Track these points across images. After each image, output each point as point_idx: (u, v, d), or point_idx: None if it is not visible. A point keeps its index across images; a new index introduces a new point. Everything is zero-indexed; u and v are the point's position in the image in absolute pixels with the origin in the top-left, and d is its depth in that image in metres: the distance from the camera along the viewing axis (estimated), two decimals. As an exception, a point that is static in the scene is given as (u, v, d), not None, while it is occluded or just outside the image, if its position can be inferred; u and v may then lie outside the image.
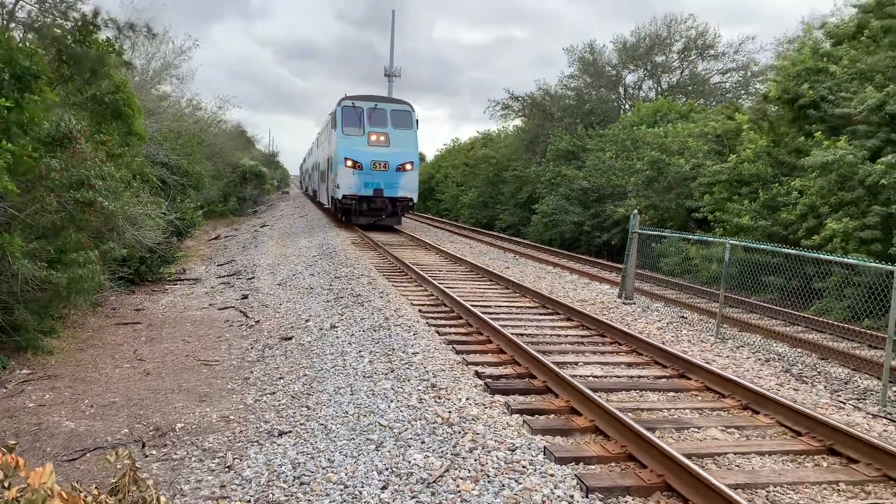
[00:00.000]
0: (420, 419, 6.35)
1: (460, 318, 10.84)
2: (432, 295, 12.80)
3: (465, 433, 5.94)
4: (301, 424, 6.66)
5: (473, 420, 6.23)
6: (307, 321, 11.32)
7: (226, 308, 13.60)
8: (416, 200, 26.55)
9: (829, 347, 10.08)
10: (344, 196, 25.12)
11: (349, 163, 24.89)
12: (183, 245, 20.11)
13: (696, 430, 6.43)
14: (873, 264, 8.74)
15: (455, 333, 9.84)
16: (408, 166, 25.51)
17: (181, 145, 23.25)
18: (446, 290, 12.50)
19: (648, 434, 5.61)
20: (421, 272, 14.77)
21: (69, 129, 9.81)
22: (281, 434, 6.47)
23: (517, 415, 6.54)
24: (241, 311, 13.11)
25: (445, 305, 11.80)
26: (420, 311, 11.26)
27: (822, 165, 13.45)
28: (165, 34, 25.45)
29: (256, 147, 65.94)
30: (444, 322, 10.57)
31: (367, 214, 25.79)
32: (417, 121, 26.46)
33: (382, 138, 25.35)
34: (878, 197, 12.64)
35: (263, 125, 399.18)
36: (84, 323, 11.92)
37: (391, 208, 25.91)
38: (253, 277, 17.21)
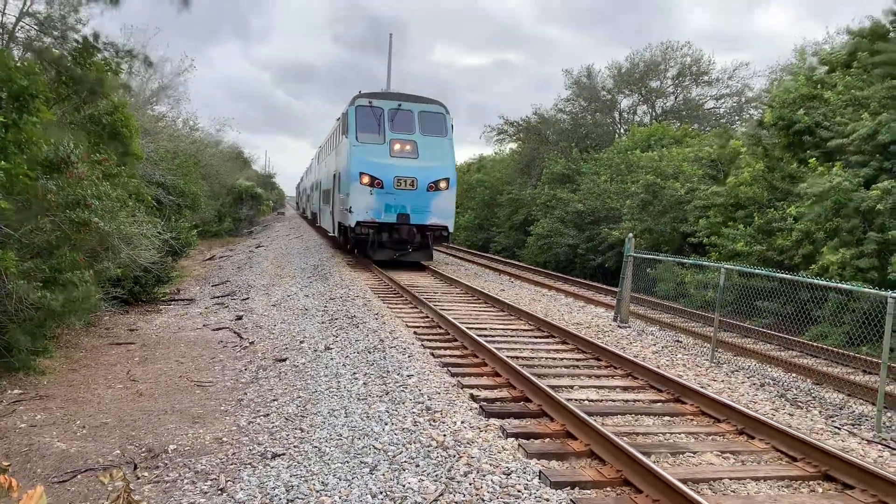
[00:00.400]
0: (415, 442, 6.31)
1: (455, 340, 10.82)
2: (427, 317, 12.78)
3: (460, 457, 5.91)
4: (295, 447, 6.62)
5: (468, 443, 6.20)
6: (301, 342, 11.28)
7: (220, 329, 13.55)
8: (452, 229, 20.81)
9: (823, 373, 10.08)
10: (358, 223, 19.72)
11: (365, 179, 19.58)
12: (178, 265, 20.07)
13: (692, 454, 6.41)
14: (869, 290, 8.78)
15: (450, 356, 9.81)
16: (442, 184, 20.13)
17: (177, 165, 23.28)
18: (442, 312, 12.49)
19: (644, 459, 5.59)
20: (416, 294, 14.76)
21: (67, 154, 9.82)
22: (274, 456, 6.43)
23: (512, 438, 6.51)
24: (235, 332, 13.06)
25: (441, 328, 11.78)
26: (415, 333, 11.23)
27: (818, 195, 13.51)
28: (162, 59, 25.63)
29: (252, 168, 66.16)
30: (439, 344, 10.54)
31: (389, 247, 20.34)
32: (453, 126, 21.24)
33: (409, 148, 20.15)
34: (874, 222, 12.70)
35: (260, 146, 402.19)
36: (77, 343, 11.85)
37: (420, 239, 20.47)
38: (247, 298, 17.17)
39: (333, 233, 25.24)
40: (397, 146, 20.07)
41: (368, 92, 20.99)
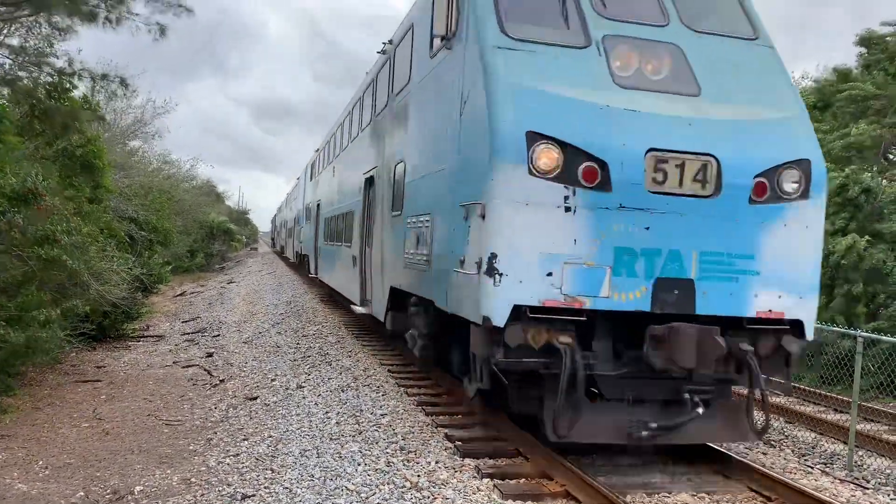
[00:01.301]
0: (388, 483, 6.22)
1: (429, 378, 10.73)
2: (401, 355, 12.68)
3: (435, 498, 5.83)
4: (265, 488, 6.48)
5: (443, 484, 6.12)
6: (273, 380, 11.12)
7: (190, 366, 13.32)
8: (813, 325, 6.54)
9: (795, 411, 10.15)
10: (522, 312, 5.87)
11: (548, 156, 5.84)
12: (148, 301, 19.79)
13: (668, 494, 6.39)
14: (838, 329, 8.91)
15: (425, 394, 9.72)
16: (788, 182, 6.38)
17: (151, 201, 23.08)
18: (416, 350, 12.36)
19: (620, 499, 5.56)
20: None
21: (34, 185, 9.66)
22: (244, 498, 6.28)
23: (487, 479, 6.43)
24: (205, 370, 12.84)
25: (415, 365, 11.68)
26: (389, 371, 11.14)
27: None
28: (149, 96, 25.60)
29: (226, 203, 65.98)
30: (413, 382, 10.45)
31: (625, 397, 6.31)
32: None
33: (665, 65, 6.67)
34: (840, 269, 12.89)
35: (236, 181, 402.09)
36: (42, 380, 11.57)
37: (726, 365, 6.27)
38: (218, 335, 16.93)
39: (364, 307, 12.38)
40: (630, 57, 6.71)
41: None
